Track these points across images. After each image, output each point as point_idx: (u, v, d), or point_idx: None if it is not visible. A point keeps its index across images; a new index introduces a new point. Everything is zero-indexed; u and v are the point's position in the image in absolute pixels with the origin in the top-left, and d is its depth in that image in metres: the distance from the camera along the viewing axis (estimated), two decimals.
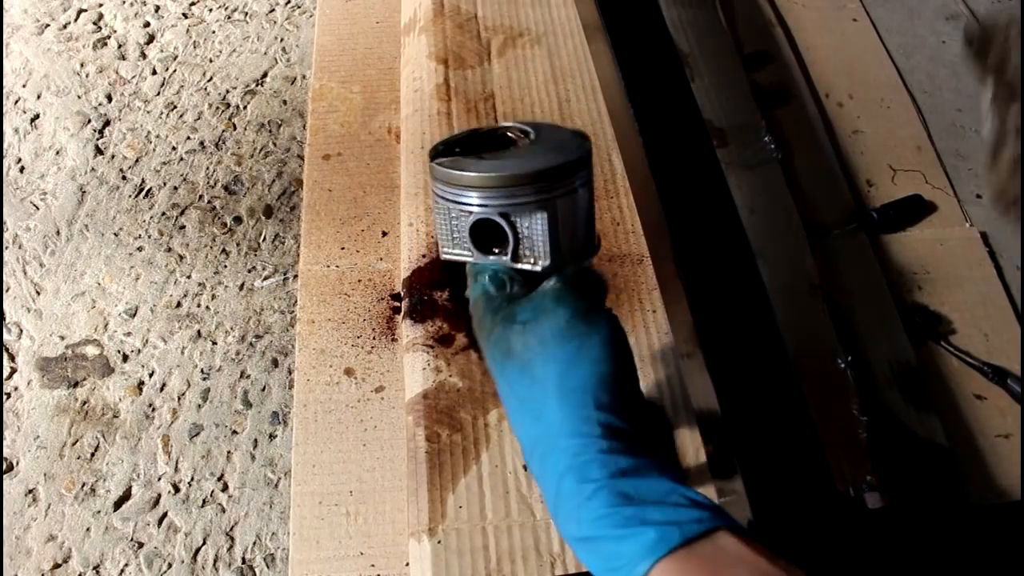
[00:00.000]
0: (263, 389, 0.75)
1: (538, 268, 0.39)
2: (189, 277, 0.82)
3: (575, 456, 0.35)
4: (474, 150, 0.41)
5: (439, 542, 0.60)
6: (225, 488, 0.70)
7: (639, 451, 0.35)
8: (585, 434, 0.35)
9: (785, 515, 0.47)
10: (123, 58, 1.00)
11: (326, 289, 0.76)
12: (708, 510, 0.33)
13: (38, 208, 0.87)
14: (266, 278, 0.82)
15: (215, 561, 0.67)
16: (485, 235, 0.40)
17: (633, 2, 0.80)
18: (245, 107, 0.95)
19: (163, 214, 0.86)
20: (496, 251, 0.40)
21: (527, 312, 0.39)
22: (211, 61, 0.99)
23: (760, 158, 0.83)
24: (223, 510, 0.69)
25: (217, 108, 0.95)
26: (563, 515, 0.35)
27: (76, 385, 0.75)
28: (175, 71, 0.98)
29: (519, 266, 0.40)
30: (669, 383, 0.68)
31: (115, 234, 0.85)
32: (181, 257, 0.83)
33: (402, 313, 0.73)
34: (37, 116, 0.94)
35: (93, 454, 0.72)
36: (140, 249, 0.84)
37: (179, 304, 0.80)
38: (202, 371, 0.76)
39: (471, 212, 0.39)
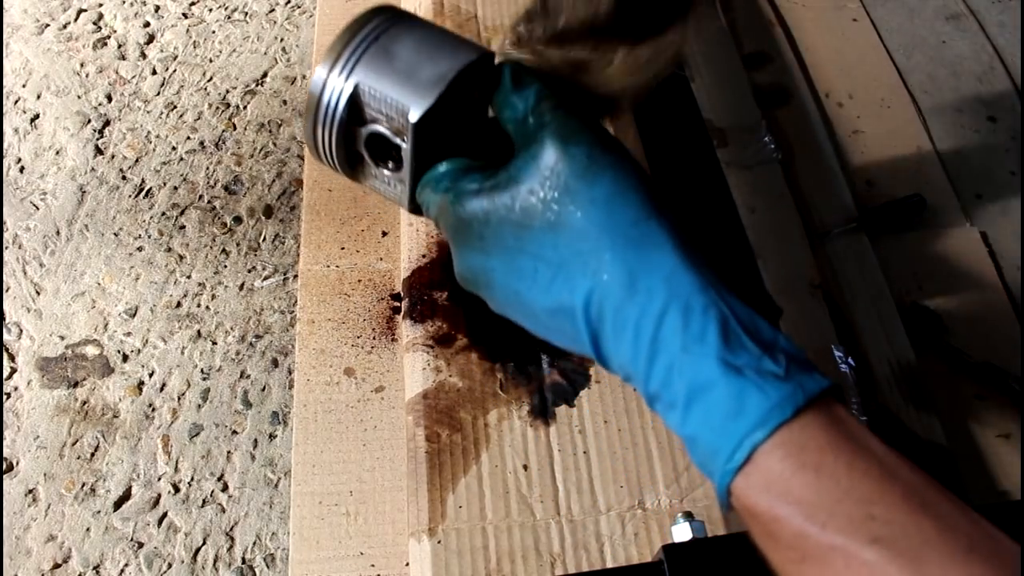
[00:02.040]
0: (263, 389, 0.75)
1: (415, 118, 0.33)
2: (189, 277, 0.82)
3: (672, 290, 0.29)
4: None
5: (439, 542, 0.60)
6: (225, 488, 0.70)
7: (731, 289, 0.31)
8: (673, 268, 0.30)
9: None
10: (123, 58, 1.00)
11: (326, 289, 0.76)
12: (813, 366, 0.29)
13: (38, 208, 0.87)
14: (266, 278, 0.82)
15: (215, 561, 0.67)
16: (378, 152, 0.36)
17: None
18: (245, 107, 0.95)
19: (163, 214, 0.86)
20: (393, 153, 0.35)
21: (527, 167, 0.32)
22: (211, 61, 0.99)
23: (760, 158, 0.84)
24: (223, 510, 0.69)
25: (217, 108, 0.95)
26: (661, 365, 0.29)
27: (76, 385, 0.75)
28: (175, 71, 0.98)
29: (404, 144, 0.34)
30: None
31: (115, 234, 0.85)
32: (181, 257, 0.83)
33: (402, 313, 0.73)
34: (37, 116, 0.94)
35: (93, 454, 0.72)
36: (140, 249, 0.84)
37: (179, 304, 0.80)
38: (202, 371, 0.76)
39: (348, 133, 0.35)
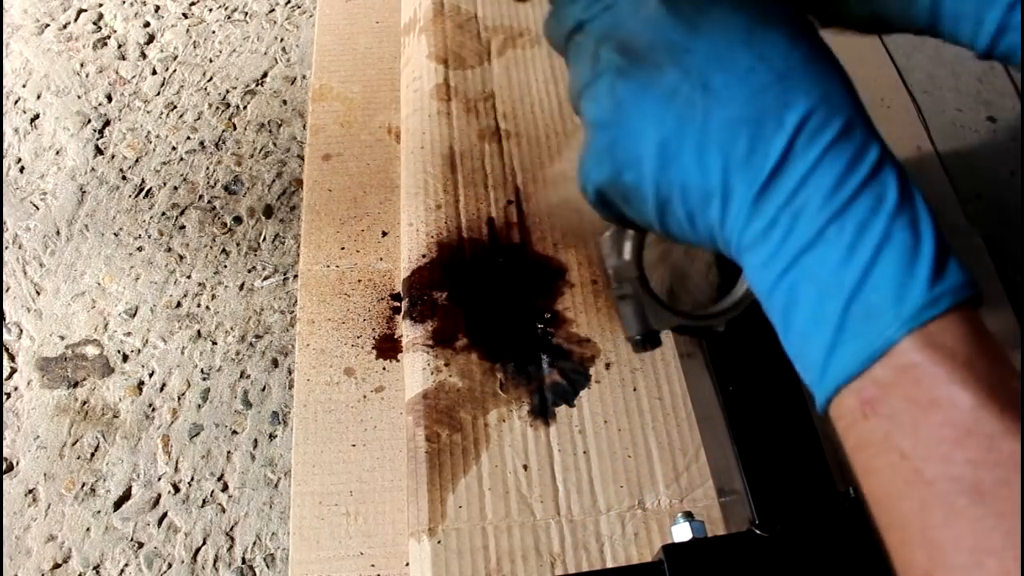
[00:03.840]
0: (263, 389, 0.75)
1: None
2: (189, 277, 0.82)
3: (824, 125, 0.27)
4: None
5: (439, 542, 0.60)
6: (225, 488, 0.70)
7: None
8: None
9: (785, 515, 0.47)
10: (123, 58, 1.00)
11: (326, 289, 0.76)
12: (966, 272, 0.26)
13: (38, 208, 0.87)
14: (266, 278, 0.82)
15: (215, 561, 0.67)
16: None
17: None
18: (245, 107, 0.95)
19: (163, 214, 0.86)
20: None
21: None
22: (211, 61, 0.99)
23: None
24: (223, 510, 0.69)
25: (217, 108, 0.95)
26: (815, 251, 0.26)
27: (76, 385, 0.75)
28: (175, 71, 0.98)
29: None
30: (669, 383, 0.68)
31: (115, 234, 0.85)
32: (181, 257, 0.83)
33: (402, 313, 0.73)
34: (37, 116, 0.94)
35: (93, 454, 0.72)
36: (140, 249, 0.84)
37: (179, 304, 0.80)
38: (202, 371, 0.76)
39: None
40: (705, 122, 0.28)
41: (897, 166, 0.27)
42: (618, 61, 0.30)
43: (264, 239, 0.85)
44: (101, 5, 1.05)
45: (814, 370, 0.27)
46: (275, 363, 0.77)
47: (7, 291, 0.81)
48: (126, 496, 0.70)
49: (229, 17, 1.04)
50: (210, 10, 1.04)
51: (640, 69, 0.30)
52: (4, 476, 0.70)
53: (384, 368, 0.72)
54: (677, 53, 0.29)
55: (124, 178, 0.89)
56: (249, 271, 0.82)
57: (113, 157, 0.91)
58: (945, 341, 0.24)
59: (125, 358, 0.77)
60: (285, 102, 0.95)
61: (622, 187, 0.32)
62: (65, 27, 1.03)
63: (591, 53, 0.32)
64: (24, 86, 0.97)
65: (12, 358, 0.77)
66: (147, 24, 1.03)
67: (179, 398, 0.75)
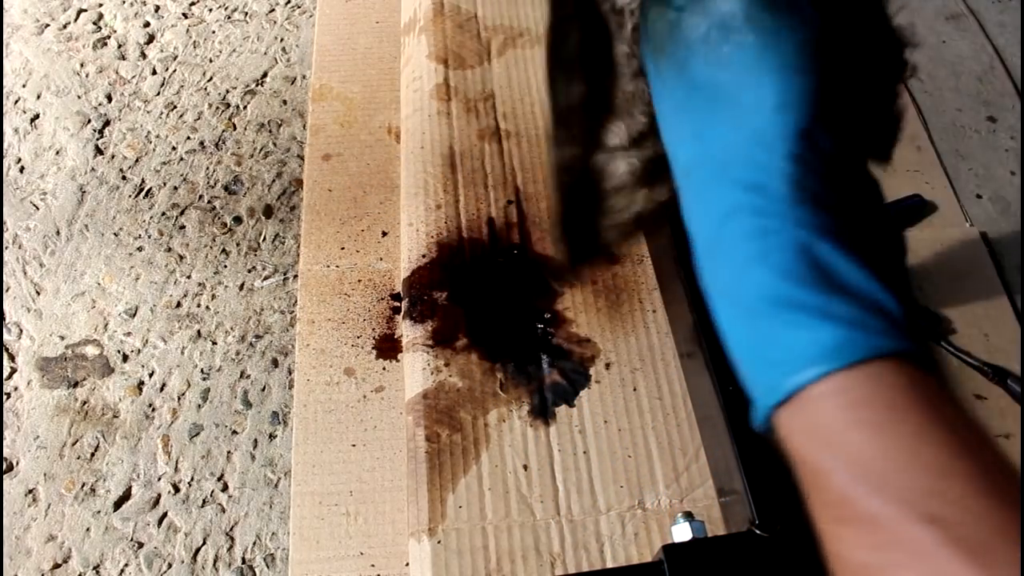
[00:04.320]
0: (263, 389, 0.75)
1: None
2: (189, 277, 0.82)
3: (758, 193, 0.27)
4: None
5: (439, 542, 0.60)
6: (225, 488, 0.70)
7: (848, 218, 0.27)
8: (779, 168, 0.27)
9: (785, 515, 0.47)
10: (123, 58, 1.00)
11: (326, 289, 0.76)
12: (903, 326, 0.25)
13: (38, 208, 0.87)
14: (266, 278, 0.82)
15: (215, 561, 0.67)
16: None
17: None
18: (245, 107, 0.95)
19: (163, 214, 0.86)
20: None
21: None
22: (211, 61, 0.99)
23: None
24: (223, 510, 0.69)
25: (217, 108, 0.95)
26: (718, 264, 0.27)
27: (76, 385, 0.75)
28: (175, 71, 0.98)
29: None
30: (669, 383, 0.68)
31: (115, 234, 0.85)
32: (181, 257, 0.83)
33: (402, 313, 0.73)
34: (37, 116, 0.94)
35: (93, 454, 0.72)
36: (140, 249, 0.84)
37: (179, 304, 0.80)
38: (202, 371, 0.76)
39: None
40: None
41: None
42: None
43: (264, 239, 0.85)
44: (101, 5, 1.05)
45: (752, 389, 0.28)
46: (275, 363, 0.77)
47: (7, 291, 0.81)
48: (126, 496, 0.70)
49: (229, 17, 1.04)
50: (210, 10, 1.04)
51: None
52: (4, 476, 0.70)
53: (384, 368, 0.72)
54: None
55: (124, 178, 0.89)
56: (249, 271, 0.82)
57: (113, 157, 0.91)
58: (809, 426, 0.25)
59: (125, 358, 0.77)
60: (285, 102, 0.95)
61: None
62: (65, 27, 1.03)
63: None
64: (24, 86, 0.97)
65: (12, 358, 0.77)
66: (147, 24, 1.03)
67: (179, 398, 0.75)
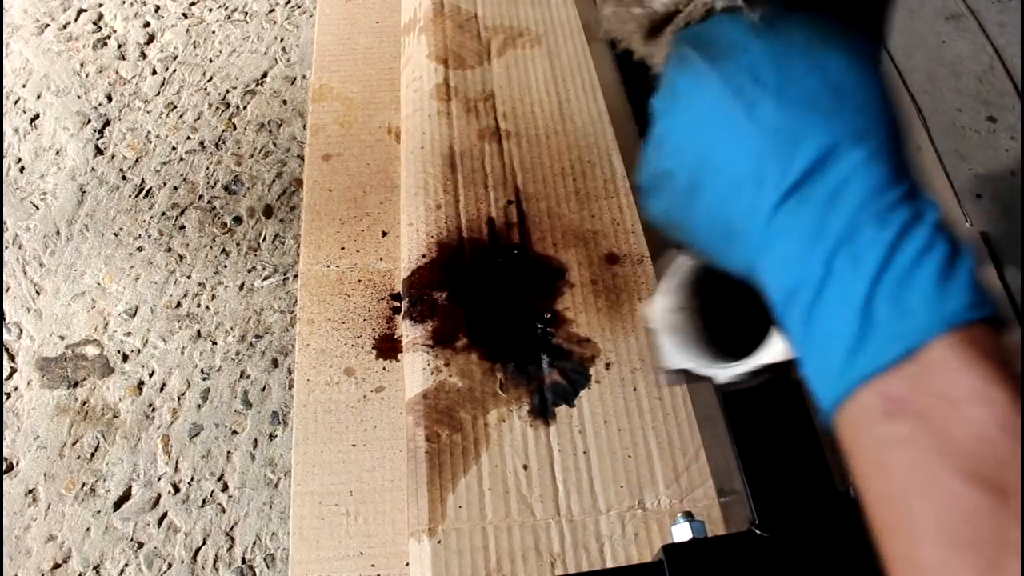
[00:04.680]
0: (263, 389, 0.75)
1: None
2: (189, 277, 0.82)
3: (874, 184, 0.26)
4: None
5: (439, 542, 0.60)
6: (225, 488, 0.70)
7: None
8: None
9: (785, 515, 0.47)
10: (123, 58, 1.00)
11: (326, 289, 0.76)
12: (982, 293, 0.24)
13: (38, 208, 0.87)
14: (266, 278, 0.82)
15: (215, 561, 0.67)
16: None
17: None
18: (245, 107, 0.95)
19: (163, 214, 0.86)
20: None
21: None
22: (211, 61, 0.99)
23: None
24: (223, 510, 0.69)
25: (217, 108, 0.95)
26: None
27: (76, 385, 0.75)
28: (175, 71, 0.98)
29: None
30: (669, 383, 0.68)
31: (115, 234, 0.85)
32: (181, 257, 0.83)
33: (402, 313, 0.73)
34: (37, 116, 0.94)
35: (93, 454, 0.72)
36: (140, 249, 0.84)
37: (179, 304, 0.80)
38: (202, 371, 0.76)
39: None
40: (751, 109, 0.28)
41: (928, 193, 0.28)
42: (685, 55, 0.31)
43: (264, 239, 0.85)
44: (101, 5, 1.05)
45: (833, 365, 0.26)
46: (275, 363, 0.77)
47: (7, 291, 0.81)
48: (126, 496, 0.70)
49: (229, 17, 1.04)
50: (210, 10, 1.04)
51: (700, 61, 0.30)
52: (4, 476, 0.70)
53: (384, 368, 0.72)
54: (736, 51, 0.29)
55: (124, 178, 0.89)
56: (249, 271, 0.82)
57: (113, 157, 0.91)
58: (981, 341, 0.24)
59: (125, 358, 0.77)
60: (285, 102, 0.95)
61: (660, 173, 0.32)
62: (65, 27, 1.03)
63: (673, 55, 0.33)
64: (24, 86, 0.97)
65: (12, 358, 0.77)
66: (147, 24, 1.03)
67: (179, 398, 0.75)
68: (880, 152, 0.27)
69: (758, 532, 0.46)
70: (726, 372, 0.38)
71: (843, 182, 0.26)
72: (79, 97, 0.96)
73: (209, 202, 0.87)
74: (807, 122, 0.27)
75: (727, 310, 0.40)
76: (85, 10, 1.04)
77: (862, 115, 0.28)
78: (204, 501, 0.69)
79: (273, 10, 1.04)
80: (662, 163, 0.32)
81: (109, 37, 1.02)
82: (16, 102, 0.95)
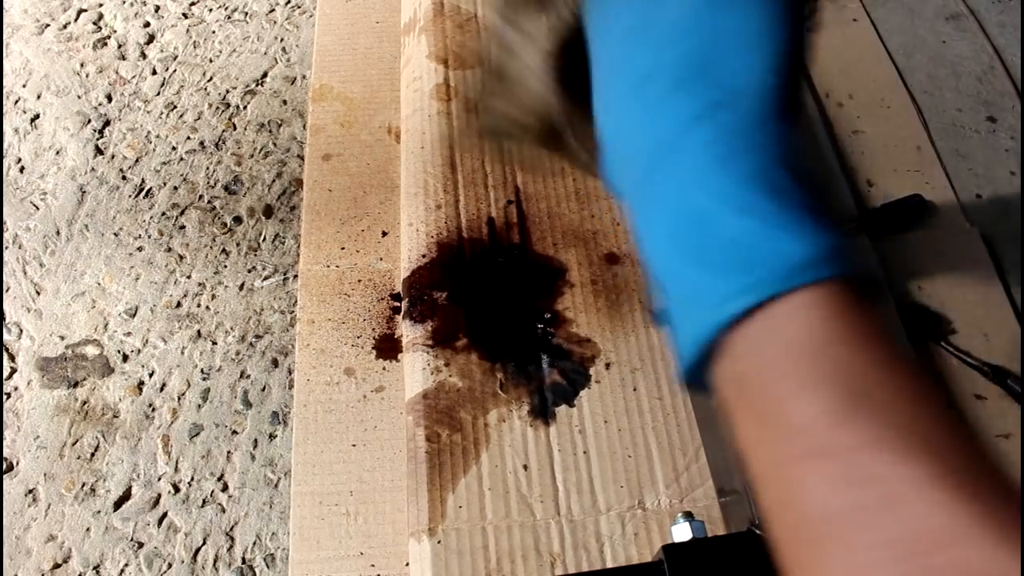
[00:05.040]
0: (263, 389, 0.75)
1: None
2: (189, 277, 0.82)
3: (735, 109, 0.26)
4: None
5: (439, 542, 0.60)
6: (225, 488, 0.70)
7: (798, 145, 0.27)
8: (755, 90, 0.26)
9: None
10: (123, 58, 1.00)
11: (326, 289, 0.76)
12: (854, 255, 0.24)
13: (38, 208, 0.87)
14: (266, 278, 0.82)
15: (215, 561, 0.67)
16: None
17: None
18: (245, 107, 0.95)
19: (163, 214, 0.86)
20: None
21: None
22: (211, 61, 0.99)
23: None
24: (223, 510, 0.69)
25: (217, 108, 0.95)
26: (665, 175, 0.26)
27: (76, 385, 0.75)
28: (175, 71, 0.98)
29: None
30: (669, 383, 0.68)
31: (115, 234, 0.85)
32: (181, 257, 0.83)
33: (402, 313, 0.73)
34: (37, 116, 0.94)
35: (93, 454, 0.72)
36: (140, 249, 0.84)
37: (179, 304, 0.80)
38: (202, 371, 0.76)
39: None
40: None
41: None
42: None
43: (264, 239, 0.85)
44: (101, 5, 1.05)
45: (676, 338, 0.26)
46: (275, 363, 0.77)
47: (7, 291, 0.81)
48: (126, 496, 0.70)
49: (229, 17, 1.04)
50: (210, 10, 1.04)
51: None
52: (4, 476, 0.70)
53: (384, 368, 0.72)
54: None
55: (124, 178, 0.89)
56: (249, 271, 0.82)
57: (113, 157, 0.91)
58: (783, 332, 0.23)
59: (125, 358, 0.77)
60: (285, 102, 0.95)
61: None
62: (65, 27, 1.03)
63: None
64: (24, 86, 0.97)
65: (12, 358, 0.77)
66: (147, 24, 1.03)
67: (179, 398, 0.75)
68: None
69: (758, 532, 0.46)
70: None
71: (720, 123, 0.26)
72: (79, 97, 0.96)
73: (209, 202, 0.87)
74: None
75: None
76: (85, 10, 1.04)
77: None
78: (204, 501, 0.69)
79: (273, 10, 1.04)
80: (599, 128, 0.33)
81: (109, 37, 1.02)
82: (16, 102, 0.95)
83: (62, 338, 0.78)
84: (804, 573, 0.21)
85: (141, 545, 0.67)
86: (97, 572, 0.66)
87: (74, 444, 0.72)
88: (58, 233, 0.85)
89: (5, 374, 0.76)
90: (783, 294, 0.23)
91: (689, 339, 0.25)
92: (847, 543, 0.20)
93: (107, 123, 0.94)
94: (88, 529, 0.68)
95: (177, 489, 0.70)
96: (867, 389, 0.21)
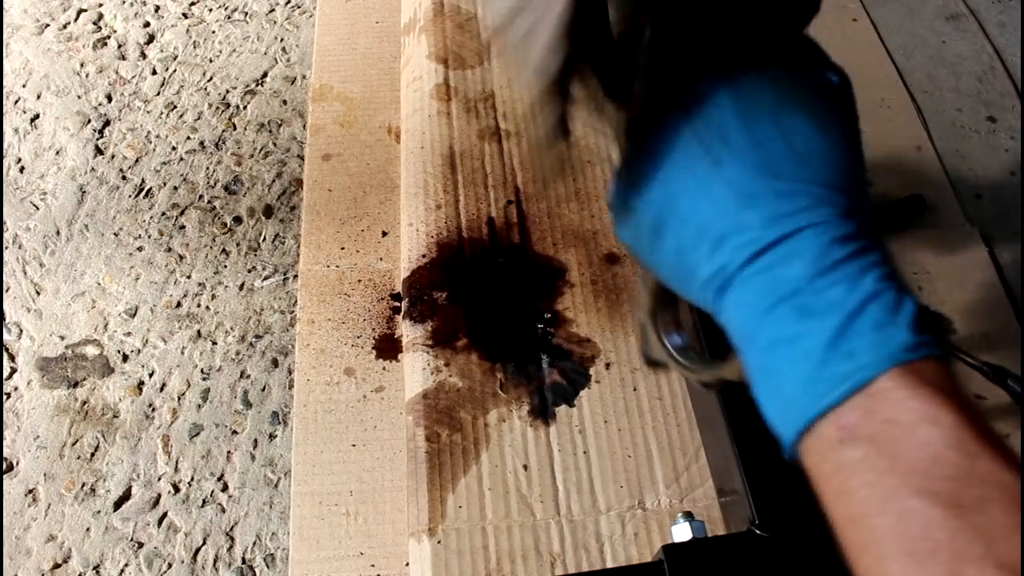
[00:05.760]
0: (263, 389, 0.75)
1: None
2: (189, 277, 0.82)
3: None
4: None
5: (439, 542, 0.60)
6: (225, 488, 0.70)
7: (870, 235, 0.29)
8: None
9: (785, 515, 0.47)
10: (123, 58, 1.00)
11: (326, 289, 0.76)
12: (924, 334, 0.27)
13: (38, 208, 0.87)
14: (266, 278, 0.82)
15: (215, 561, 0.67)
16: None
17: None
18: (245, 107, 0.95)
19: (163, 214, 0.86)
20: None
21: None
22: (211, 61, 0.99)
23: None
24: (223, 510, 0.69)
25: (217, 108, 0.95)
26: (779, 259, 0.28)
27: (76, 385, 0.75)
28: (175, 71, 0.98)
29: None
30: (669, 383, 0.68)
31: (115, 234, 0.85)
32: (181, 257, 0.83)
33: (402, 313, 0.73)
34: (37, 116, 0.94)
35: (93, 454, 0.72)
36: (140, 249, 0.84)
37: (179, 304, 0.80)
38: (202, 371, 0.76)
39: None
40: (718, 167, 0.30)
41: (884, 247, 0.30)
42: (659, 100, 0.33)
43: (264, 239, 0.85)
44: (101, 5, 1.05)
45: (790, 403, 0.28)
46: (275, 363, 0.77)
47: (7, 291, 0.81)
48: (126, 496, 0.70)
49: (229, 17, 1.04)
50: (210, 10, 1.04)
51: (674, 109, 0.32)
52: (4, 476, 0.70)
53: (384, 368, 0.72)
54: (708, 105, 0.31)
55: (124, 178, 0.89)
56: (249, 271, 0.82)
57: (113, 157, 0.91)
58: (927, 375, 0.26)
59: (125, 358, 0.77)
60: (285, 102, 0.95)
61: (629, 207, 0.34)
62: (65, 27, 1.03)
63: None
64: (24, 86, 0.97)
65: (12, 358, 0.77)
66: (147, 24, 1.03)
67: (179, 398, 0.75)
68: (834, 217, 0.29)
69: (758, 532, 0.46)
70: (708, 372, 0.39)
71: (798, 244, 0.28)
72: (79, 97, 0.96)
73: (209, 202, 0.87)
74: (768, 187, 0.29)
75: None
76: (85, 10, 1.04)
77: (822, 181, 0.30)
78: (204, 501, 0.69)
79: (273, 10, 1.05)
80: (631, 198, 0.34)
81: (109, 37, 1.02)
82: (16, 102, 0.95)
83: (62, 338, 0.78)
84: None
85: (141, 545, 0.67)
86: (97, 572, 0.66)
87: (74, 444, 0.72)
88: (58, 233, 0.85)
89: (5, 374, 0.76)
90: (896, 367, 0.26)
91: (852, 379, 0.26)
92: None
93: (107, 123, 0.94)
94: (88, 529, 0.68)
95: (177, 489, 0.70)
96: (983, 422, 0.24)
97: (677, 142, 0.32)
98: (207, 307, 0.80)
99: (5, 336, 0.78)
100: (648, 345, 0.45)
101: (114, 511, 0.69)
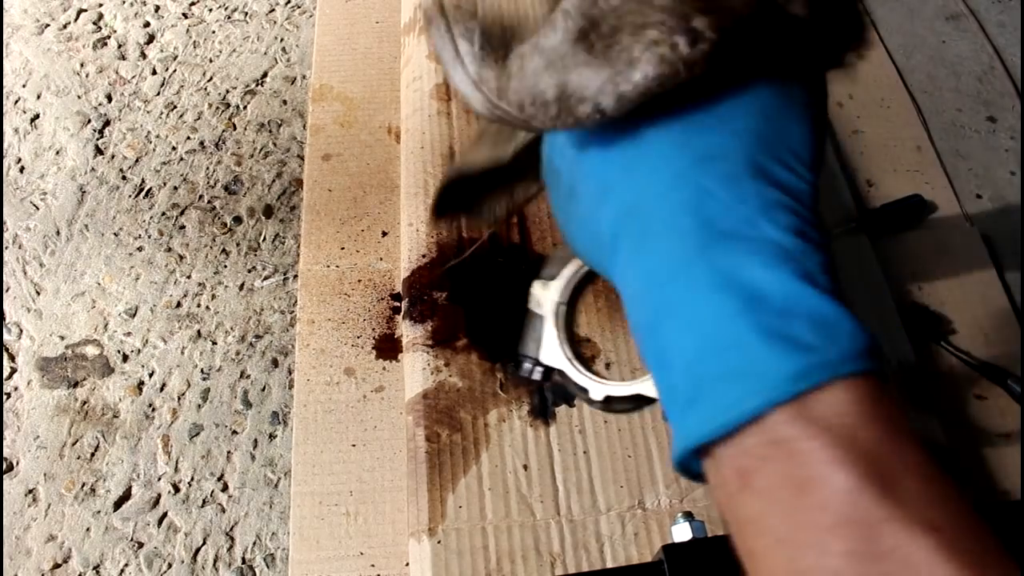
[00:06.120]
0: (263, 389, 0.75)
1: None
2: (189, 277, 0.82)
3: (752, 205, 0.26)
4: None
5: (439, 542, 0.60)
6: (225, 488, 0.70)
7: (822, 241, 0.27)
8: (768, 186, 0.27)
9: None
10: (123, 58, 1.00)
11: (326, 289, 0.76)
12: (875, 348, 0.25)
13: (38, 208, 0.87)
14: (266, 278, 0.82)
15: (215, 561, 0.67)
16: None
17: None
18: (245, 107, 0.95)
19: (163, 214, 0.86)
20: None
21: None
22: (211, 61, 0.99)
23: None
24: (223, 510, 0.69)
25: (217, 108, 0.95)
26: (724, 254, 0.26)
27: (76, 385, 0.75)
28: (175, 71, 0.98)
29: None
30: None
31: (115, 234, 0.85)
32: (181, 257, 0.83)
33: (402, 313, 0.73)
34: (37, 116, 0.94)
35: (93, 454, 0.72)
36: (140, 249, 0.84)
37: (179, 304, 0.80)
38: (202, 371, 0.76)
39: None
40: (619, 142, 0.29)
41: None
42: None
43: (264, 239, 0.85)
44: (101, 5, 1.05)
45: (674, 414, 0.26)
46: (275, 363, 0.77)
47: (7, 291, 0.81)
48: (126, 496, 0.70)
49: (229, 17, 1.04)
50: (210, 10, 1.04)
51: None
52: (4, 476, 0.70)
53: (384, 368, 0.72)
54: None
55: (124, 178, 0.89)
56: (249, 271, 0.82)
57: (113, 157, 0.91)
58: (821, 414, 0.23)
59: (125, 358, 0.77)
60: (285, 102, 0.95)
61: (551, 170, 0.34)
62: (65, 27, 1.03)
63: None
64: (24, 86, 0.97)
65: (12, 358, 0.77)
66: (147, 24, 1.03)
67: (179, 398, 0.75)
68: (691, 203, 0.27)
69: None
70: (601, 389, 0.37)
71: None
72: (79, 97, 0.96)
73: (209, 202, 0.87)
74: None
75: None
76: (85, 10, 1.04)
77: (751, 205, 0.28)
78: (204, 501, 0.69)
79: (273, 10, 1.05)
80: (552, 159, 0.33)
81: (109, 37, 1.02)
82: (16, 102, 0.95)
83: (62, 338, 0.78)
84: None
85: (141, 545, 0.67)
86: (97, 572, 0.66)
87: (74, 444, 0.72)
88: (58, 233, 0.85)
89: (5, 374, 0.76)
90: (836, 378, 0.23)
91: (734, 410, 0.24)
92: None
93: (107, 123, 0.94)
94: (88, 529, 0.68)
95: (177, 489, 0.70)
96: (893, 470, 0.22)
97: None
98: (207, 307, 0.80)
99: (5, 336, 0.78)
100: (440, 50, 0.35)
101: (114, 511, 0.69)
